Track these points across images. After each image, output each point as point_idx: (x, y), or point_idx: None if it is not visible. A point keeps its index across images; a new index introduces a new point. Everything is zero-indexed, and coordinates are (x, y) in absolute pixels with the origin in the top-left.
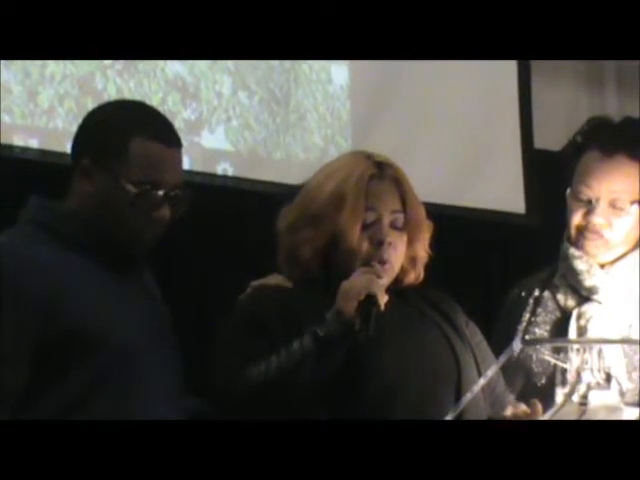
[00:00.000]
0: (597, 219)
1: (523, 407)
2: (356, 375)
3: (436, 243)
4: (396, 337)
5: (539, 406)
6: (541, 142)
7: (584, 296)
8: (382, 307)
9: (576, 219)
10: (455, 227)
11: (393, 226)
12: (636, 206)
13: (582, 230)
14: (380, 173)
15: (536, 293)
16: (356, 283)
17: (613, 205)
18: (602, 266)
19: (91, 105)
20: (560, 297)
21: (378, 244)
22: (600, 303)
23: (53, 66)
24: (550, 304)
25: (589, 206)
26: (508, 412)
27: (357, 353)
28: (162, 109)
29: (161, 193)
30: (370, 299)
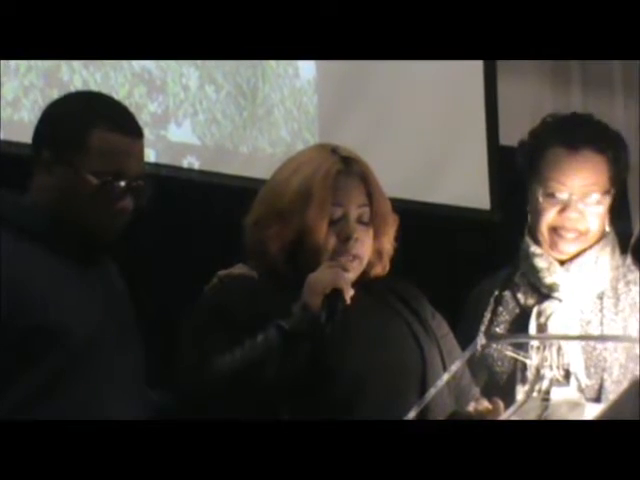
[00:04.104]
0: (573, 214)
1: (485, 403)
2: (322, 370)
3: (402, 239)
4: (362, 332)
5: (500, 403)
6: (506, 139)
7: (544, 294)
8: (348, 301)
9: (549, 217)
10: (421, 223)
11: (360, 221)
12: (607, 196)
13: (557, 229)
14: (346, 168)
15: (497, 292)
16: (322, 277)
17: (586, 199)
18: (562, 263)
19: (57, 97)
20: (520, 296)
21: (345, 240)
22: (560, 301)
23: None
24: (511, 303)
25: (562, 203)
26: (470, 407)
27: (323, 348)
28: (128, 102)
29: (123, 184)
30: (336, 293)
